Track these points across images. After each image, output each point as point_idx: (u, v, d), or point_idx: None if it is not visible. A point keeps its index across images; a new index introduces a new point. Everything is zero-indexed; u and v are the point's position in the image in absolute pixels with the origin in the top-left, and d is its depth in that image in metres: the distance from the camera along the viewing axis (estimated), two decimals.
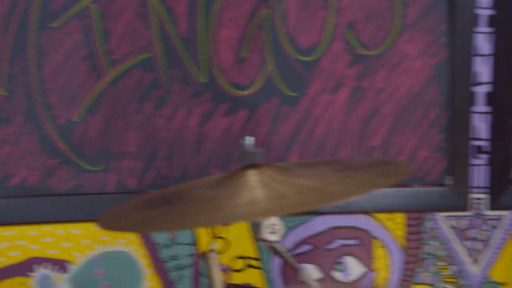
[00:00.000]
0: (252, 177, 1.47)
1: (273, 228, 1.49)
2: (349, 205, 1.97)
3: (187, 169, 1.92)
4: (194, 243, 1.96)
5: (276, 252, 1.52)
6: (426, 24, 1.94)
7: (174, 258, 1.96)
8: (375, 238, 2.01)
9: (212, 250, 1.51)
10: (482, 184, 2.01)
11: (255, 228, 1.48)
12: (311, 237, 1.99)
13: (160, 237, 1.95)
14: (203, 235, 1.96)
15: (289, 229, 1.97)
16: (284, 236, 1.95)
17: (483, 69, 1.97)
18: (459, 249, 2.03)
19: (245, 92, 1.92)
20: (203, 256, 1.50)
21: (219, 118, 1.92)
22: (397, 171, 1.53)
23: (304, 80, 1.93)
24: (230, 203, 1.41)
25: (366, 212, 1.99)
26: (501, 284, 2.05)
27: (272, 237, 1.49)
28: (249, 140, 1.50)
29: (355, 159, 1.70)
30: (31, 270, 1.93)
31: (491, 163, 2.01)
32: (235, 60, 1.91)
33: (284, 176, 1.48)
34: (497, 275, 2.05)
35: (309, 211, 1.96)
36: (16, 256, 1.92)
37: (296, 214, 1.93)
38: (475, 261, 2.04)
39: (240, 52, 1.91)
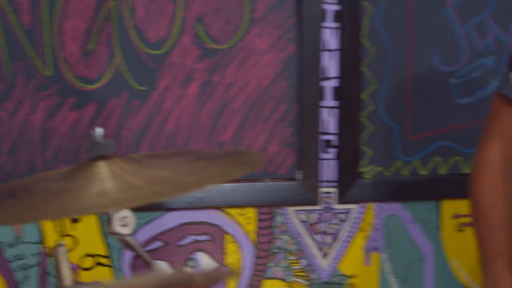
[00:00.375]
0: (102, 168, 1.44)
1: (124, 221, 1.46)
2: (201, 200, 1.95)
3: (34, 165, 1.87)
4: (40, 242, 1.90)
5: (127, 246, 1.49)
6: (275, 19, 1.95)
7: (19, 257, 1.90)
8: (227, 233, 2.00)
9: (60, 245, 1.46)
10: (331, 178, 2.04)
11: (106, 221, 1.44)
12: (162, 233, 1.97)
13: (4, 236, 1.88)
14: (50, 233, 1.90)
15: (140, 226, 1.93)
16: (135, 232, 1.91)
17: (330, 64, 2.00)
18: (309, 243, 2.05)
19: (93, 86, 1.88)
20: (51, 252, 1.45)
21: (66, 112, 1.87)
22: (250, 161, 1.53)
23: (154, 74, 1.91)
24: (80, 194, 1.37)
25: (217, 207, 1.98)
26: (350, 276, 2.08)
27: (124, 230, 1.46)
28: (99, 131, 1.47)
29: (208, 150, 1.69)
30: None
31: (339, 157, 2.04)
32: (81, 53, 1.86)
33: (136, 167, 1.46)
34: (345, 268, 2.08)
35: (160, 206, 1.93)
36: None
37: (147, 208, 1.90)
38: (325, 254, 2.07)
39: (87, 44, 1.86)
